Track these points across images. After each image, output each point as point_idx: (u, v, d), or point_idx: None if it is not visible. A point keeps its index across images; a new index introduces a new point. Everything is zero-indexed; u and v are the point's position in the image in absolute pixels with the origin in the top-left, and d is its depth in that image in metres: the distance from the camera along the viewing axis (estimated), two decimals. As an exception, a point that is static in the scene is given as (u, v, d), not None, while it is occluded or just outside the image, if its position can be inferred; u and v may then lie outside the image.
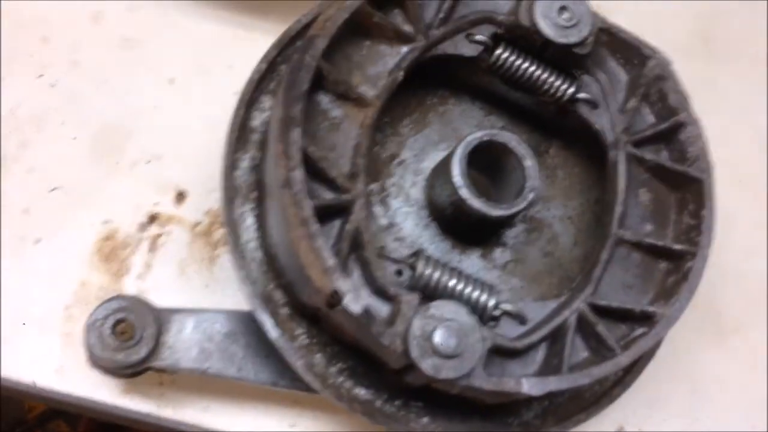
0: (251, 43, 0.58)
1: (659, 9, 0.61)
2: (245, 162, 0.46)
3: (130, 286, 0.53)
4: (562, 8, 0.46)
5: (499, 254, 0.49)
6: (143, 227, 0.54)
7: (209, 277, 0.53)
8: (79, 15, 0.59)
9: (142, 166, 0.56)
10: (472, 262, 0.48)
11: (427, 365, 0.38)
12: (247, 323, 0.46)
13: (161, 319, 0.45)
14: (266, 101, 0.47)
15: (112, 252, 0.54)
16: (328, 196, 0.41)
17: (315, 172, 0.41)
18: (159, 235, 0.54)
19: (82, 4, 0.59)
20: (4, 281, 0.52)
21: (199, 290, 0.53)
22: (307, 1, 0.58)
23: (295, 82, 0.41)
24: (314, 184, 0.42)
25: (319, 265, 0.38)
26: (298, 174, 0.39)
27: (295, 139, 0.40)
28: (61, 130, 0.56)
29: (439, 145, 0.50)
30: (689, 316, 0.53)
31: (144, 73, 0.58)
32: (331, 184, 0.41)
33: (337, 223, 0.41)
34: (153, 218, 0.55)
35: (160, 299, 0.52)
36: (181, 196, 0.55)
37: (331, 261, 0.38)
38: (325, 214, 0.41)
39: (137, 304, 0.45)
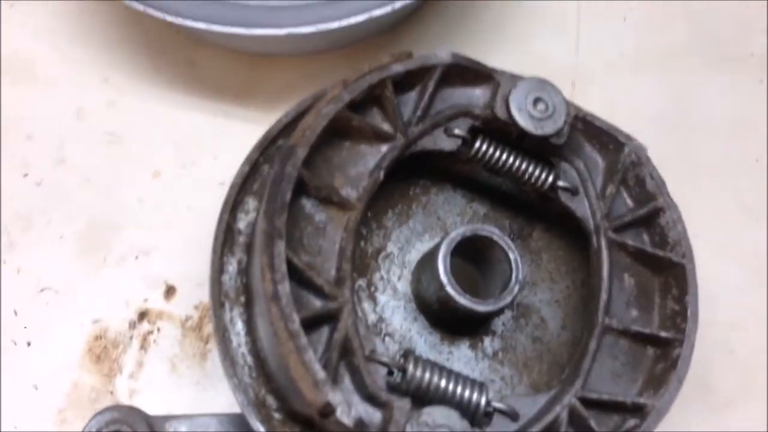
0: (233, 133, 0.60)
1: (634, 83, 0.63)
2: (232, 266, 0.47)
3: (122, 387, 0.53)
4: (537, 100, 0.47)
5: (489, 343, 0.49)
6: (133, 324, 0.54)
7: (201, 373, 0.53)
8: (63, 112, 0.60)
9: (130, 262, 0.56)
10: (461, 353, 0.49)
11: (421, 474, 0.38)
12: (240, 426, 0.46)
13: (155, 426, 0.45)
14: (251, 202, 0.48)
15: (103, 351, 0.54)
16: (316, 304, 0.42)
17: (301, 280, 0.41)
18: (149, 332, 0.54)
19: (65, 101, 0.60)
20: (-4, 386, 0.52)
21: (192, 387, 0.53)
22: (286, 90, 0.60)
23: (277, 193, 0.41)
24: (302, 291, 0.42)
25: (309, 379, 0.39)
26: (285, 287, 0.39)
27: (279, 252, 0.40)
28: (48, 228, 0.56)
29: (424, 236, 0.51)
30: (681, 391, 0.53)
31: (128, 167, 0.58)
32: (318, 291, 0.42)
33: (325, 330, 0.42)
34: (143, 315, 0.55)
35: (152, 399, 0.52)
36: (170, 291, 0.56)
37: (321, 374, 0.39)
38: (314, 322, 0.41)
39: (130, 413, 0.45)
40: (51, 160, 0.58)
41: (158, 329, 0.54)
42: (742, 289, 0.57)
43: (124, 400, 0.52)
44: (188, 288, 0.55)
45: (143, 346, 0.54)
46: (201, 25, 0.51)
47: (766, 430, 0.53)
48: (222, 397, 0.52)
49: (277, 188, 0.41)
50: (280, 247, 0.40)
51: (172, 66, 0.61)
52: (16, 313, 0.54)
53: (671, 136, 0.61)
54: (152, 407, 0.47)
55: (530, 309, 0.51)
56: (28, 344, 0.53)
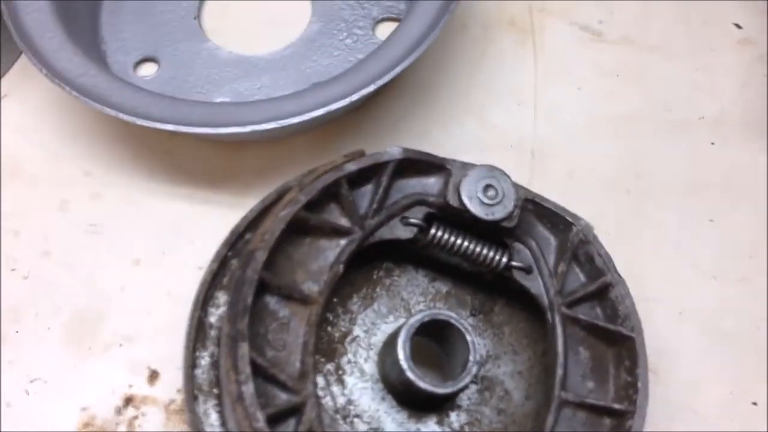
0: (209, 218, 0.63)
1: (591, 150, 0.65)
2: (205, 359, 0.49)
3: (111, 471, 0.55)
4: (487, 186, 0.50)
5: (455, 418, 0.52)
6: (119, 410, 0.57)
7: (185, 455, 0.56)
8: (48, 206, 0.63)
9: (114, 350, 0.59)
10: (429, 429, 0.51)
11: None
12: None
13: None
14: (221, 296, 0.51)
15: (92, 439, 0.56)
16: (281, 398, 0.44)
17: (266, 376, 0.44)
18: (135, 417, 0.57)
19: (49, 195, 0.63)
20: (-11, 482, 0.54)
21: (177, 468, 0.56)
22: (256, 175, 0.63)
23: (239, 297, 0.44)
24: (267, 386, 0.44)
25: (275, 474, 0.41)
26: (249, 388, 0.42)
27: (243, 354, 0.43)
28: (35, 320, 0.59)
29: (388, 317, 0.53)
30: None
31: (110, 257, 0.61)
32: (282, 386, 0.44)
33: (292, 422, 0.44)
34: (128, 400, 0.57)
35: (140, 483, 0.55)
36: (153, 375, 0.58)
37: (285, 470, 0.41)
38: (280, 416, 0.44)
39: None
40: (36, 253, 0.61)
41: (143, 414, 0.57)
42: (702, 349, 0.58)
43: (112, 486, 0.54)
44: (171, 371, 0.58)
45: (130, 431, 0.56)
46: (169, 127, 0.54)
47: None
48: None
49: (239, 292, 0.44)
50: (244, 349, 0.43)
51: (149, 157, 0.64)
52: (8, 405, 0.57)
53: (628, 199, 0.64)
54: (139, 492, 0.50)
55: (494, 381, 0.53)
56: (20, 436, 0.56)
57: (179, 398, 0.57)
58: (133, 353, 0.59)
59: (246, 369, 0.42)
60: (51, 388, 0.57)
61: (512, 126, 0.66)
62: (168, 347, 0.58)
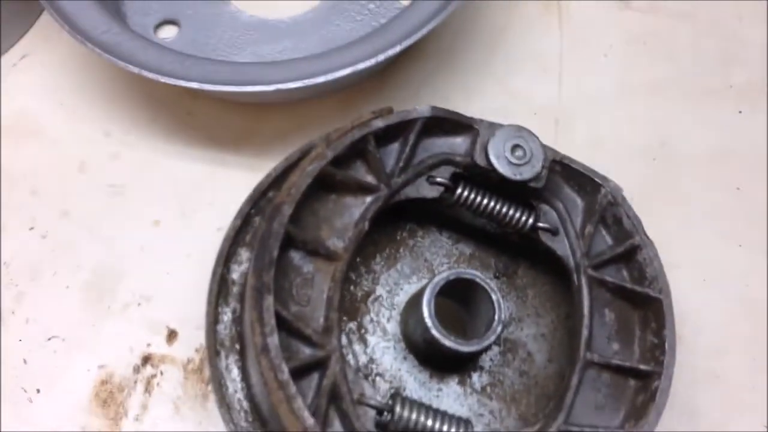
0: (230, 180, 0.62)
1: (616, 118, 0.65)
2: (227, 315, 0.49)
3: (128, 429, 0.55)
4: (515, 147, 0.49)
5: (477, 379, 0.51)
6: (137, 369, 0.57)
7: (203, 414, 0.55)
8: (66, 166, 0.62)
9: (133, 309, 0.58)
10: (451, 389, 0.51)
11: None
12: (240, 467, 0.48)
13: (157, 470, 0.48)
14: (243, 253, 0.50)
15: (109, 396, 0.56)
16: (305, 352, 0.44)
17: (291, 330, 0.44)
18: (153, 376, 0.57)
19: (68, 156, 0.63)
20: (7, 433, 0.54)
21: (195, 427, 0.55)
22: (278, 137, 0.62)
23: (265, 250, 0.43)
24: (291, 340, 0.44)
25: (299, 425, 0.41)
26: (274, 340, 0.42)
27: (268, 306, 0.42)
28: (54, 279, 0.59)
29: (411, 278, 0.53)
30: (667, 416, 0.55)
31: (130, 218, 0.61)
32: (307, 340, 0.44)
33: (315, 377, 0.44)
34: (146, 359, 0.57)
35: (157, 441, 0.54)
36: (172, 335, 0.58)
37: (310, 421, 0.41)
38: (304, 370, 0.43)
39: (133, 459, 0.47)
40: (55, 213, 0.61)
41: (161, 373, 0.56)
42: (725, 315, 0.58)
43: (130, 443, 0.54)
44: (189, 331, 0.57)
45: (147, 390, 0.56)
46: (194, 85, 0.54)
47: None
48: (224, 437, 0.54)
49: (265, 245, 0.44)
50: (269, 301, 0.42)
51: (170, 118, 0.64)
52: (25, 362, 0.56)
53: (653, 167, 0.63)
54: (157, 450, 0.50)
55: (517, 344, 0.53)
56: (38, 391, 0.55)
57: (197, 358, 0.57)
58: (151, 313, 0.58)
59: (271, 321, 0.42)
60: (69, 345, 0.57)
61: (536, 93, 0.66)
62: (187, 307, 0.58)
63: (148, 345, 0.57)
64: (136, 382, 0.56)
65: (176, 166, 0.63)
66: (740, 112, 0.65)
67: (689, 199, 0.62)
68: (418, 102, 0.65)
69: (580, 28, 0.68)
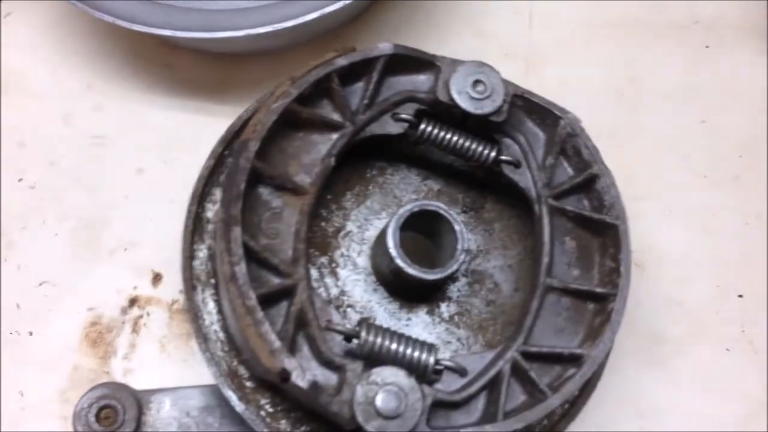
0: (209, 128, 0.63)
1: (585, 56, 0.66)
2: (202, 252, 0.51)
3: (117, 367, 0.58)
4: (476, 82, 0.51)
5: (445, 309, 0.53)
6: (125, 311, 0.59)
7: (187, 351, 0.58)
8: (51, 119, 0.64)
9: (119, 254, 0.61)
10: (420, 319, 0.53)
11: (372, 427, 0.42)
12: (221, 395, 0.51)
13: (141, 400, 0.50)
14: (217, 193, 0.52)
15: (99, 336, 0.59)
16: (273, 281, 0.46)
17: (259, 261, 0.46)
18: (140, 317, 0.59)
19: (53, 109, 0.65)
20: (3, 373, 0.57)
21: (180, 364, 0.58)
22: (255, 86, 0.64)
23: (232, 184, 0.45)
24: (261, 271, 0.46)
25: (266, 348, 0.43)
26: (242, 269, 0.44)
27: (236, 237, 0.44)
28: (43, 227, 0.61)
29: (381, 213, 0.55)
30: (631, 342, 0.58)
31: (114, 167, 0.63)
32: (275, 270, 0.46)
33: (284, 305, 0.46)
34: (133, 301, 0.60)
35: (144, 377, 0.57)
36: (157, 278, 0.60)
37: (277, 344, 0.43)
38: (272, 298, 0.45)
39: (118, 389, 0.50)
40: (42, 164, 0.63)
41: (148, 314, 0.59)
42: (690, 245, 0.60)
43: (119, 379, 0.56)
44: (173, 274, 0.59)
45: (135, 330, 0.59)
46: (166, 32, 0.55)
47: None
48: (207, 373, 0.56)
49: (233, 180, 0.46)
50: (236, 232, 0.44)
51: (150, 70, 0.66)
52: (18, 306, 0.59)
53: (622, 104, 0.64)
54: (144, 384, 0.52)
55: (484, 275, 0.55)
56: (30, 333, 0.58)
57: (182, 299, 0.59)
58: (137, 257, 0.61)
59: (239, 251, 0.44)
60: (59, 290, 0.60)
61: (507, 35, 0.67)
62: (171, 251, 0.60)
63: (135, 288, 0.60)
64: (123, 323, 0.59)
65: (157, 116, 0.64)
66: (707, 47, 0.66)
67: (656, 133, 0.63)
68: (391, 48, 0.66)
69: (549, -31, 0.69)
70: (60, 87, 0.65)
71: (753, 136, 0.62)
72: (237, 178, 0.46)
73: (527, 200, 0.53)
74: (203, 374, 0.56)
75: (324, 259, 0.53)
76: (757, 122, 0.63)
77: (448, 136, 0.52)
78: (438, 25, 0.67)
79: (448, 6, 0.68)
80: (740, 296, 0.58)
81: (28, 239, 0.61)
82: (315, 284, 0.52)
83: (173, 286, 0.60)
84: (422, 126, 0.52)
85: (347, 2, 0.56)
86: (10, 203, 0.62)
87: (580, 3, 0.68)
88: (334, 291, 0.52)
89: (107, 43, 0.67)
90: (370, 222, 0.54)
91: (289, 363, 0.43)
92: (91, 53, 0.67)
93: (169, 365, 0.58)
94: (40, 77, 0.66)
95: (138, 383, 0.53)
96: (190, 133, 0.64)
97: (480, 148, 0.52)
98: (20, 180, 0.62)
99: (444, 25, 0.67)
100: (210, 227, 0.52)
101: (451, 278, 0.54)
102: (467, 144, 0.52)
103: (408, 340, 0.47)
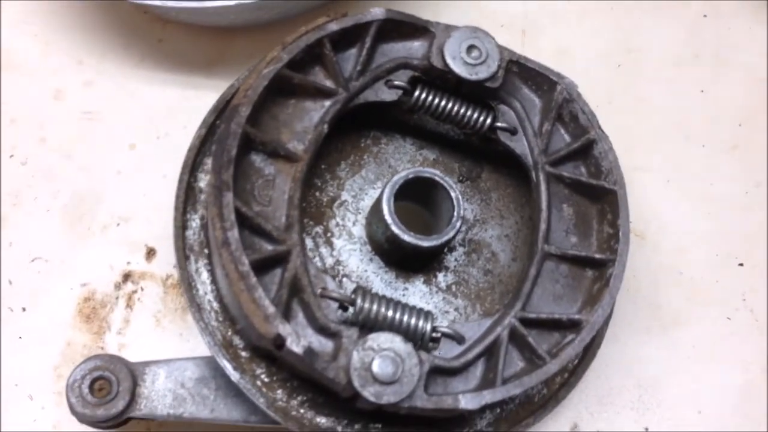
0: (200, 102, 0.63)
1: (582, 26, 0.65)
2: (195, 222, 0.50)
3: (111, 342, 0.57)
4: (471, 47, 0.50)
5: (442, 278, 0.53)
6: (119, 286, 0.59)
7: (183, 325, 0.58)
8: (42, 95, 0.64)
9: (112, 229, 0.60)
10: (416, 288, 0.52)
11: (369, 393, 0.42)
12: (216, 367, 0.50)
13: (135, 372, 0.49)
14: (209, 163, 0.52)
15: (92, 312, 0.58)
16: (267, 247, 0.45)
17: (252, 227, 0.45)
18: (134, 292, 0.58)
19: (43, 85, 0.64)
20: (-3, 350, 0.56)
21: (175, 338, 0.57)
22: (247, 60, 0.63)
23: (223, 149, 0.45)
24: (254, 238, 0.46)
25: (261, 314, 0.42)
26: (234, 234, 0.43)
27: (227, 202, 0.44)
28: (35, 204, 0.61)
29: (376, 183, 0.54)
30: (631, 312, 0.57)
31: (106, 143, 0.62)
32: (268, 236, 0.45)
33: (278, 271, 0.45)
34: (127, 276, 0.59)
35: (139, 351, 0.56)
36: (151, 253, 0.60)
37: (271, 309, 0.42)
38: (266, 264, 0.45)
39: (112, 361, 0.49)
40: (34, 140, 0.62)
41: (142, 288, 0.58)
42: (689, 214, 0.59)
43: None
44: (167, 249, 0.59)
45: (129, 305, 0.58)
46: (157, 2, 0.55)
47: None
48: (202, 346, 0.55)
49: (223, 145, 0.45)
50: (228, 198, 0.44)
51: (142, 45, 0.65)
52: (11, 283, 0.58)
53: (619, 73, 0.64)
54: (139, 359, 0.52)
55: (481, 244, 0.54)
56: (24, 309, 0.57)
57: (176, 273, 0.59)
58: (130, 233, 0.60)
59: (231, 216, 0.43)
60: (52, 266, 0.59)
61: (503, 6, 0.66)
62: (164, 226, 0.59)
63: (128, 263, 0.59)
64: (117, 298, 0.58)
65: (149, 91, 0.64)
66: (705, 16, 0.65)
67: (654, 103, 0.62)
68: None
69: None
70: (51, 63, 0.65)
71: (752, 105, 0.62)
72: (228, 143, 0.45)
73: (524, 168, 0.52)
74: (199, 348, 0.56)
75: (319, 229, 0.52)
76: (756, 91, 0.62)
77: (443, 103, 0.51)
78: (433, -3, 0.66)
79: (443, -22, 0.67)
80: (741, 265, 0.58)
81: (20, 215, 0.60)
82: (310, 254, 0.51)
83: (167, 260, 0.59)
84: (416, 93, 0.51)
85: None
86: (2, 180, 0.61)
87: (577, -27, 0.67)
88: (330, 261, 0.52)
89: (98, 18, 0.66)
90: (365, 191, 0.54)
91: (284, 329, 0.42)
92: (81, 29, 0.66)
93: (164, 340, 0.57)
94: (30, 53, 0.65)
95: (133, 358, 0.52)
96: (183, 107, 0.63)
97: (475, 115, 0.52)
98: (11, 156, 0.62)
99: (439, -3, 0.66)
100: (202, 197, 0.51)
101: (448, 247, 0.53)
102: (462, 111, 0.51)
103: (404, 307, 0.46)
